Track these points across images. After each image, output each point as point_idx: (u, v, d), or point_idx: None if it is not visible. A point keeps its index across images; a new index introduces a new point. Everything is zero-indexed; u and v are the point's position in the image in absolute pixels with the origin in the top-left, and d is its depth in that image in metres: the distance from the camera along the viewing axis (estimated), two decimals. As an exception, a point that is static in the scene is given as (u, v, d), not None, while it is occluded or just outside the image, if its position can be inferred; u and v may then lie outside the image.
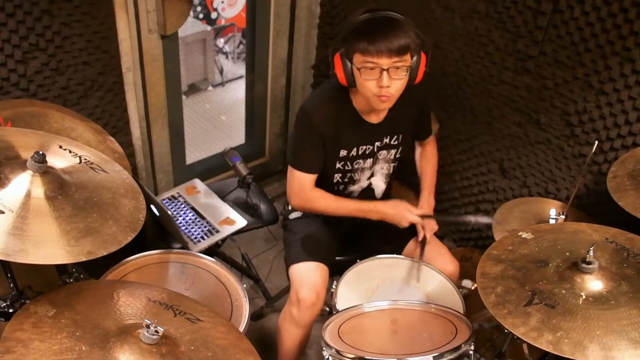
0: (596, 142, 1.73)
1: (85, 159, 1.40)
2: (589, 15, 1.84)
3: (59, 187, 1.24)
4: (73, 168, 1.34)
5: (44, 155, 1.21)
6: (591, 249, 1.24)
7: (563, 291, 1.25)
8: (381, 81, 1.60)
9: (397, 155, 1.95)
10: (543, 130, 2.12)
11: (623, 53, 1.81)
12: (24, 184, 1.19)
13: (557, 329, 1.17)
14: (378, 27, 1.58)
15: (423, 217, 1.88)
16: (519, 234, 1.49)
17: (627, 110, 1.87)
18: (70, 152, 1.39)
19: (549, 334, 1.16)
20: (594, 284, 1.24)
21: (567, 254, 1.36)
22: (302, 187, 1.85)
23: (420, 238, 1.90)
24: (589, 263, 1.25)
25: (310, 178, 1.84)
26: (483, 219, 2.02)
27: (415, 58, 1.63)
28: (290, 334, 1.90)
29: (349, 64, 1.64)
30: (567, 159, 2.09)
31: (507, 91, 2.17)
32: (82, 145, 1.47)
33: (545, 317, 1.20)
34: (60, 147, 1.40)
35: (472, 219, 2.08)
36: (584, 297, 1.23)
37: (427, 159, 2.07)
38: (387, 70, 1.59)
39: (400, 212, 1.85)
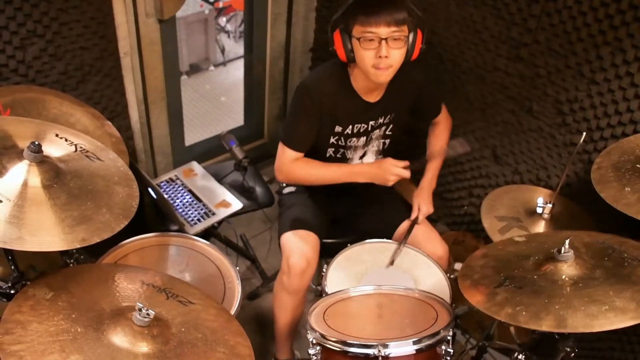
0: (584, 133, 1.75)
1: (81, 147, 1.44)
2: (581, 4, 1.84)
3: (54, 175, 1.29)
4: (69, 156, 1.39)
5: (39, 146, 1.26)
6: (567, 240, 1.28)
7: (535, 277, 1.29)
8: (380, 51, 1.65)
9: (388, 132, 1.99)
10: (535, 118, 2.14)
11: (614, 43, 1.81)
12: (21, 173, 1.24)
13: (518, 304, 1.22)
14: (375, 0, 1.64)
15: (409, 168, 1.84)
16: (514, 238, 1.55)
17: (617, 101, 1.88)
18: (66, 140, 1.44)
19: (509, 308, 1.21)
20: (567, 270, 1.28)
21: (552, 251, 1.38)
22: (285, 163, 1.91)
23: (413, 217, 1.94)
24: (565, 252, 1.28)
25: (297, 156, 1.90)
26: (460, 148, 1.89)
27: (412, 33, 1.68)
28: (283, 303, 1.95)
29: (348, 38, 1.69)
30: (558, 147, 2.12)
31: (501, 78, 2.18)
32: (78, 133, 1.51)
33: (511, 295, 1.25)
34: (57, 135, 1.44)
35: (449, 151, 1.92)
36: (554, 279, 1.27)
37: (436, 137, 2.11)
38: (386, 40, 1.64)
39: (385, 167, 1.84)
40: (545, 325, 1.15)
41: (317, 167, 1.91)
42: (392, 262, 1.83)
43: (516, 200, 1.98)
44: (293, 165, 1.90)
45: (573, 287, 1.23)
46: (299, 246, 1.87)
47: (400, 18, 1.63)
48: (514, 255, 1.43)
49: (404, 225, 1.99)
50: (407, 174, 1.84)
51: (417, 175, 2.61)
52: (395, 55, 1.67)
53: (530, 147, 2.21)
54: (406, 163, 1.84)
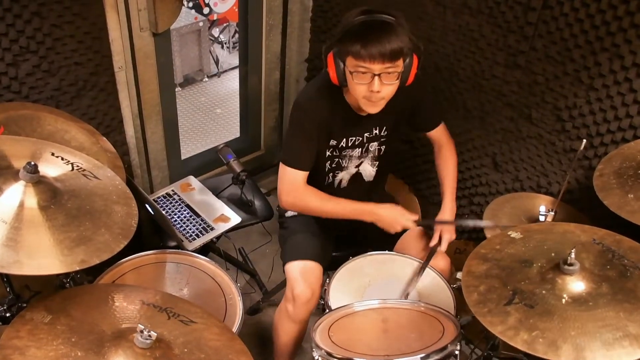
0: (584, 140, 1.74)
1: (78, 166, 1.42)
2: (578, 12, 1.84)
3: (51, 196, 1.26)
4: (65, 176, 1.37)
5: (35, 166, 1.23)
6: (572, 251, 1.26)
7: (544, 292, 1.27)
8: (372, 86, 1.62)
9: (383, 147, 1.97)
10: (534, 125, 2.13)
11: (612, 49, 1.81)
12: (16, 194, 1.22)
13: (533, 329, 1.19)
14: (372, 31, 1.59)
15: (418, 223, 1.88)
16: (509, 233, 1.51)
17: (616, 107, 1.88)
18: (62, 159, 1.42)
19: (524, 333, 1.19)
20: (574, 285, 1.26)
21: (553, 254, 1.37)
22: (293, 184, 1.84)
23: (432, 244, 1.90)
24: (570, 264, 1.27)
25: (302, 175, 1.83)
26: (483, 223, 1.94)
27: (407, 61, 1.64)
28: (286, 330, 1.94)
29: (341, 65, 1.66)
30: (558, 154, 2.11)
31: (499, 86, 2.18)
32: (74, 152, 1.49)
33: (523, 316, 1.22)
34: (53, 154, 1.42)
35: (470, 223, 2.07)
36: (563, 298, 1.25)
37: (444, 161, 2.03)
38: (379, 75, 1.60)
39: (395, 216, 1.85)
40: (564, 355, 1.14)
41: (329, 201, 1.87)
42: (406, 296, 1.75)
43: (518, 209, 1.97)
44: (304, 193, 1.85)
45: (584, 306, 1.22)
46: (304, 276, 1.84)
47: (395, 50, 1.57)
48: (516, 260, 1.40)
49: (404, 240, 1.97)
50: (413, 226, 1.87)
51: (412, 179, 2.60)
52: (387, 90, 1.64)
53: (530, 154, 2.20)
54: (415, 217, 1.87)
